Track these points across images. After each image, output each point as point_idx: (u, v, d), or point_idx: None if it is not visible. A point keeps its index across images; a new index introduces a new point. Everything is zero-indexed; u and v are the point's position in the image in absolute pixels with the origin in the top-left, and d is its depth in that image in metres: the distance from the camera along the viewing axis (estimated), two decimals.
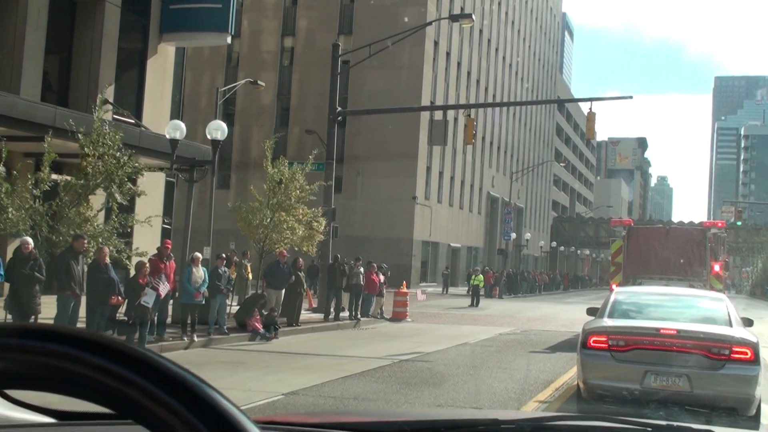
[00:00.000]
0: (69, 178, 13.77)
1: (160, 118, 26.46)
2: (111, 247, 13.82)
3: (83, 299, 12.97)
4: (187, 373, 0.69)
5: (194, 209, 45.21)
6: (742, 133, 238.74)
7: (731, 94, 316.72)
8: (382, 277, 25.57)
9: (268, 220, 19.20)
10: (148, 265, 13.80)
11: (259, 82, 34.59)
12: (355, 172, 52.04)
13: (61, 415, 1.27)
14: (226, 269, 16.92)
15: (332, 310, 22.21)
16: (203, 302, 15.64)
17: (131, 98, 25.90)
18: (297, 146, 54.47)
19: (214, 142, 17.42)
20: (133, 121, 23.37)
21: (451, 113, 54.86)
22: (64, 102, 24.40)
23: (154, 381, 0.66)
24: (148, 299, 13.21)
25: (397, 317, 25.00)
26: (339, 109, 24.62)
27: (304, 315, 22.82)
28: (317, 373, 12.03)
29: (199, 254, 15.68)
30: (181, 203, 47.67)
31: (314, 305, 24.63)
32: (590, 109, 23.61)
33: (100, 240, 13.49)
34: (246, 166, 52.30)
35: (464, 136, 23.93)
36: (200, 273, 15.49)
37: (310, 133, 46.84)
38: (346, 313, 22.81)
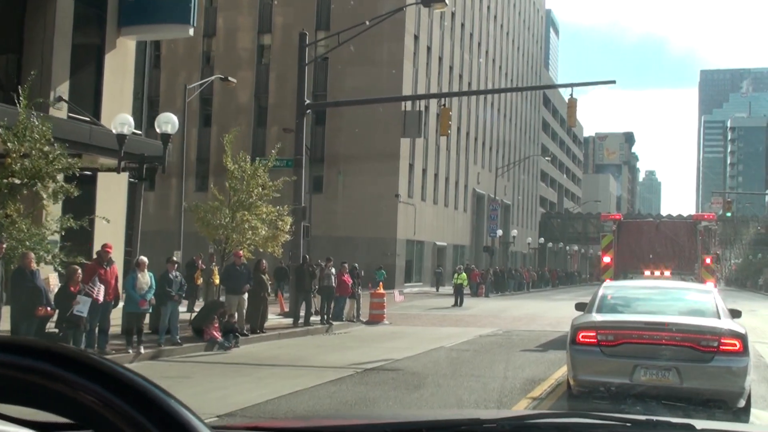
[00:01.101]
0: None
1: (120, 114, 25.10)
2: (43, 252, 12.49)
3: (8, 311, 11.64)
4: (138, 377, 0.67)
5: (172, 212, 43.49)
6: (729, 125, 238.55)
7: (717, 87, 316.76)
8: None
9: (227, 220, 17.87)
10: (80, 270, 12.48)
11: (230, 78, 33.21)
12: (336, 171, 50.78)
13: (44, 427, 1.12)
14: (178, 274, 15.56)
15: (302, 314, 20.89)
16: (150, 310, 14.31)
17: (89, 96, 24.48)
18: (276, 144, 53.02)
19: (164, 136, 16.08)
20: (88, 119, 22.03)
21: (432, 109, 53.76)
22: (10, 101, 23.00)
23: (105, 386, 0.64)
24: (81, 308, 11.88)
25: (374, 320, 23.73)
26: (307, 101, 23.29)
27: (274, 320, 21.55)
28: (267, 388, 10.74)
29: (144, 258, 14.35)
30: (149, 205, 45.84)
31: (286, 309, 23.31)
32: (571, 95, 22.48)
33: (28, 244, 12.15)
34: (225, 167, 50.77)
35: (439, 127, 22.67)
36: (146, 279, 14.15)
37: (288, 131, 45.39)
38: (318, 317, 21.53)
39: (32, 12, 22.99)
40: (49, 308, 11.67)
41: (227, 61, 52.38)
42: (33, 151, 12.31)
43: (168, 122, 16.09)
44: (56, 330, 12.09)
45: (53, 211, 21.93)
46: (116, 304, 13.75)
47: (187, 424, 0.69)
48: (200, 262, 23.00)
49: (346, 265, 22.94)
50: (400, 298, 25.03)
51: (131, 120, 16.30)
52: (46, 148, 12.39)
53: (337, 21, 51.92)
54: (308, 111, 23.57)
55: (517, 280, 57.70)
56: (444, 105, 23.10)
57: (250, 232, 18.21)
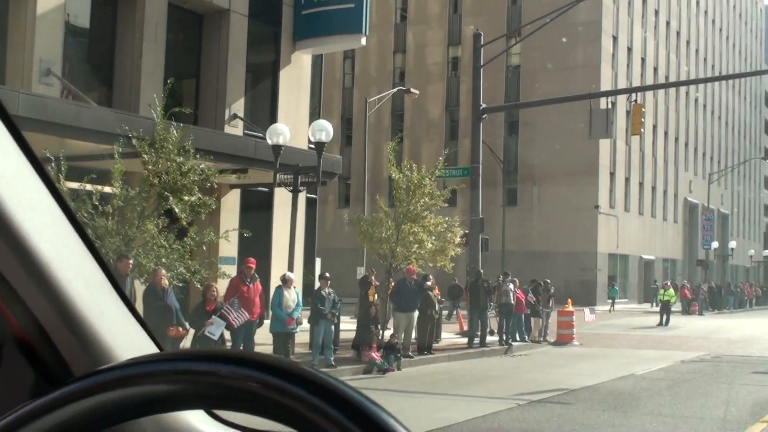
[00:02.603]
0: (132, 191, 11.92)
1: (296, 130, 24.84)
2: (182, 269, 11.84)
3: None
4: (363, 398, 0.72)
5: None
6: None
7: None
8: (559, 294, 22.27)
9: (390, 232, 16.62)
10: (215, 288, 11.65)
11: (412, 90, 32.28)
12: (531, 183, 48.63)
13: None
14: (332, 291, 14.46)
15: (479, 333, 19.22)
16: (296, 330, 13.27)
17: (264, 112, 24.48)
18: (468, 159, 51.76)
19: (318, 145, 15.14)
20: (262, 135, 21.80)
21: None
22: (194, 119, 23.35)
23: (334, 405, 0.70)
24: (213, 330, 11.03)
25: (562, 340, 21.58)
26: (483, 105, 21.69)
27: (450, 340, 20.11)
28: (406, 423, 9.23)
29: (291, 274, 13.38)
30: (341, 223, 45.82)
31: (465, 329, 21.72)
32: None
33: (164, 260, 11.51)
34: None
35: (630, 126, 20.23)
36: (292, 296, 13.17)
37: None
38: (495, 337, 19.78)
39: (207, 32, 23.26)
40: (181, 328, 10.90)
41: (418, 76, 51.91)
42: (168, 163, 11.70)
43: (322, 130, 15.17)
44: None
45: (228, 224, 21.80)
46: (261, 324, 12.87)
47: None
48: (373, 278, 21.95)
49: (516, 281, 20.87)
50: (591, 318, 22.58)
51: (286, 130, 15.54)
52: (179, 159, 11.72)
53: (529, 27, 49.97)
54: (485, 116, 21.95)
55: (738, 296, 52.30)
56: (635, 101, 20.57)
57: (416, 245, 16.85)
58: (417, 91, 33.34)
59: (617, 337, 24.28)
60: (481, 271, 19.28)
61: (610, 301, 44.32)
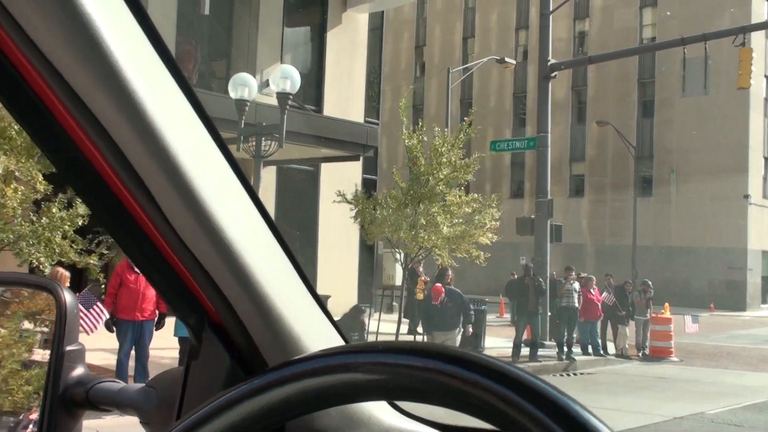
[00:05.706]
0: None
1: (347, 101, 21.61)
2: (28, 248, 8.87)
3: None
4: (560, 394, 0.71)
5: None
6: None
7: None
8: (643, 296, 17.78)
9: (388, 212, 12.88)
10: (62, 273, 8.54)
11: (507, 59, 28.02)
12: (668, 170, 43.01)
13: (445, 429, 1.20)
14: None
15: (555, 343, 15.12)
16: None
17: (310, 81, 21.31)
18: (597, 143, 46.72)
19: (281, 96, 11.68)
20: (296, 105, 18.67)
21: None
22: (224, 88, 20.62)
23: (528, 399, 0.69)
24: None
25: (656, 355, 17.03)
26: (551, 61, 17.45)
27: (502, 350, 16.11)
28: None
29: None
30: None
31: (529, 336, 17.59)
32: None
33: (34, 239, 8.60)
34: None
35: (738, 76, 15.37)
36: None
37: (602, 124, 39.18)
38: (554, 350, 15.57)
39: None
40: None
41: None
42: None
43: (287, 77, 11.70)
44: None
45: None
46: (161, 325, 9.63)
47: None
48: (421, 269, 18.15)
49: (593, 278, 16.41)
50: (693, 328, 17.68)
51: (253, 81, 12.26)
52: None
53: None
54: (554, 75, 17.72)
55: None
56: (743, 44, 15.63)
57: (429, 229, 13.00)
58: (513, 61, 29.06)
59: (738, 353, 19.16)
60: (531, 265, 15.08)
61: None
